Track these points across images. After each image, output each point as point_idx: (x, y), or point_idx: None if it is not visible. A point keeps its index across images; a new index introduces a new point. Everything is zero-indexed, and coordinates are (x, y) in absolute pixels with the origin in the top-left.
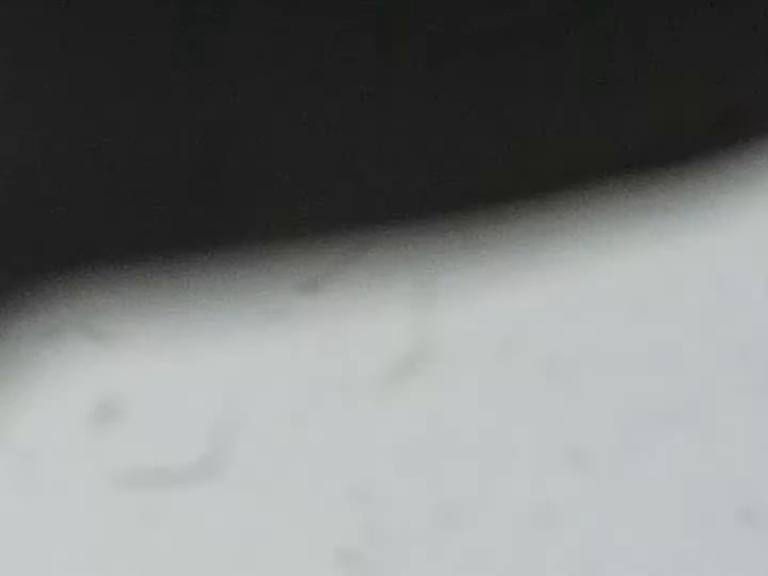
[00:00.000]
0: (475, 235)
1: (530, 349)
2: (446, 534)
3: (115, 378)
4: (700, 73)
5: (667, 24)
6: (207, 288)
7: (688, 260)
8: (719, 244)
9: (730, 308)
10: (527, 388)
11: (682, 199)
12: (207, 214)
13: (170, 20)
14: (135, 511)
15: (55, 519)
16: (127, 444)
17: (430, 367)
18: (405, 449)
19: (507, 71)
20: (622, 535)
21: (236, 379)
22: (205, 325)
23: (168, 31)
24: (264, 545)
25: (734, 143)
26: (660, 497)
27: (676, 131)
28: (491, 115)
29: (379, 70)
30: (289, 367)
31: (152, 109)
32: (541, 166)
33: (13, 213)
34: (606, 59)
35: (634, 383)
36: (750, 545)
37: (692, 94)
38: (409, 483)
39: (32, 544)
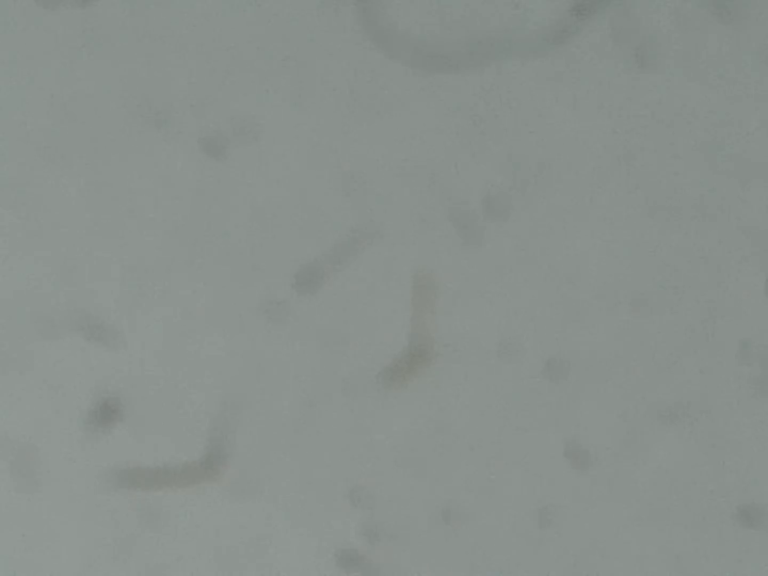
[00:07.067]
0: (475, 234)
1: (530, 349)
2: (446, 534)
3: (115, 378)
4: None
5: None
6: (207, 288)
7: (689, 259)
8: (719, 244)
9: (730, 308)
10: (527, 388)
11: (682, 198)
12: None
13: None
14: (134, 510)
15: (54, 518)
16: (127, 443)
17: (430, 367)
18: (405, 449)
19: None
20: (622, 534)
21: (236, 378)
22: (205, 325)
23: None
24: (264, 545)
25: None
26: (660, 497)
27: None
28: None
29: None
30: (289, 367)
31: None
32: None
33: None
34: None
35: (634, 383)
36: (750, 545)
37: None
38: (409, 483)
39: (32, 543)
